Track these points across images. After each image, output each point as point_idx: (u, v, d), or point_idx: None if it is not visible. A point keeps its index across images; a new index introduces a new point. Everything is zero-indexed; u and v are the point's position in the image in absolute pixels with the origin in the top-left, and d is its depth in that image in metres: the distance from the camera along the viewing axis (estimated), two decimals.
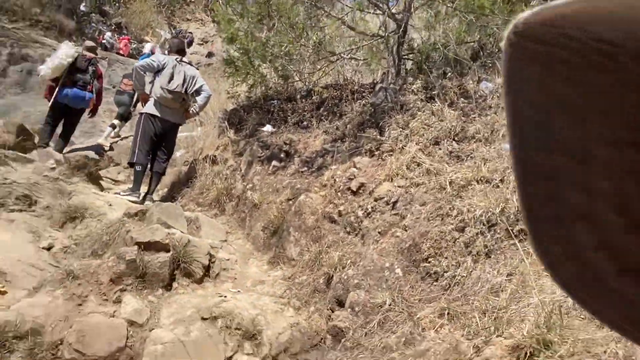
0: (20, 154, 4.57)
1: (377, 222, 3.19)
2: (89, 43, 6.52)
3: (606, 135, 0.28)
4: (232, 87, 5.46)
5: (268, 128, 4.99)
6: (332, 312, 2.92)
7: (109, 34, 13.75)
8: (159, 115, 4.65)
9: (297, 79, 5.78)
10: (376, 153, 3.70)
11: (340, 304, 2.93)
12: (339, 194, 3.63)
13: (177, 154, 5.84)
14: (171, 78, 4.60)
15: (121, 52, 13.16)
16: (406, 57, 5.34)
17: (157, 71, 4.65)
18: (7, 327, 2.40)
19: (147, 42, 13.42)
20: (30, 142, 5.60)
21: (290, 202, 4.00)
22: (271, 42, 5.19)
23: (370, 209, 3.24)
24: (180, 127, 5.26)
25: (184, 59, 4.89)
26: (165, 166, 4.97)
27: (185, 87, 4.69)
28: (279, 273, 3.67)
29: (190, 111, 4.92)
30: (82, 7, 14.57)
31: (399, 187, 3.14)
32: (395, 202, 3.07)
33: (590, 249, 0.30)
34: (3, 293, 2.75)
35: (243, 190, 4.59)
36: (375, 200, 3.21)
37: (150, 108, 4.68)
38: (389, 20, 5.08)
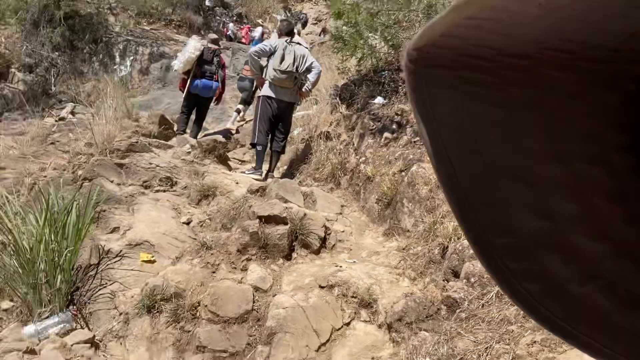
0: (162, 141, 5.21)
1: None
2: (212, 36, 7.07)
3: (549, 152, 0.24)
4: (342, 62, 5.51)
5: (379, 100, 4.95)
6: (447, 282, 2.86)
7: (231, 24, 14.70)
8: (274, 96, 4.90)
9: None
10: None
11: (456, 274, 2.85)
12: None
13: (295, 132, 6.11)
14: (282, 59, 4.79)
15: (243, 40, 14.02)
16: None
17: (270, 54, 4.87)
18: (156, 290, 2.81)
19: (259, 26, 14.08)
20: (171, 130, 6.34)
21: (403, 173, 3.96)
22: (380, 12, 5.10)
23: None
24: (296, 106, 5.49)
25: (295, 39, 5.05)
26: (283, 145, 5.25)
27: (296, 66, 4.85)
28: (394, 244, 3.68)
29: (304, 89, 5.09)
30: (207, 3, 15.77)
31: None
32: None
33: (575, 282, 0.25)
34: (152, 262, 3.21)
35: (356, 163, 4.66)
36: None
37: (266, 90, 4.95)
38: None
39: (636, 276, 0.24)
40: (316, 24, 18.13)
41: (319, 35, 15.87)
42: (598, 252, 0.25)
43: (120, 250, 3.07)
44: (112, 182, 3.84)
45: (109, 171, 3.90)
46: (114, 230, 3.25)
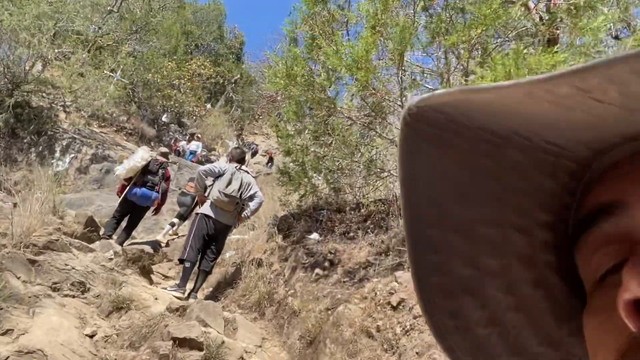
0: (84, 243, 4.94)
1: (416, 342, 3.07)
2: (163, 149, 7.26)
3: (491, 216, 0.30)
4: (284, 195, 5.77)
5: (315, 236, 5.12)
6: None
7: (184, 142, 15.17)
8: (213, 216, 4.94)
9: (348, 191, 6.02)
10: None
11: None
12: (378, 307, 3.57)
13: (227, 254, 6.04)
14: (229, 183, 4.95)
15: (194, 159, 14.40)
16: None
17: (218, 176, 5.04)
18: None
19: (196, 141, 14.65)
20: (96, 233, 6.06)
21: (330, 311, 3.95)
22: (325, 157, 5.56)
23: (409, 327, 3.14)
24: (232, 229, 5.52)
25: (243, 167, 5.30)
26: (212, 265, 5.14)
27: (240, 192, 5.01)
28: None
29: (243, 215, 5.19)
30: (163, 118, 16.40)
31: None
32: None
33: (481, 325, 0.31)
34: None
35: (284, 295, 4.61)
36: (415, 317, 3.13)
37: (206, 209, 5.00)
38: None
39: (525, 329, 0.30)
40: (265, 155, 19.12)
41: (266, 164, 16.67)
42: (504, 304, 0.30)
43: (7, 357, 2.69)
44: (18, 278, 3.51)
45: (18, 266, 3.58)
46: (7, 332, 2.88)
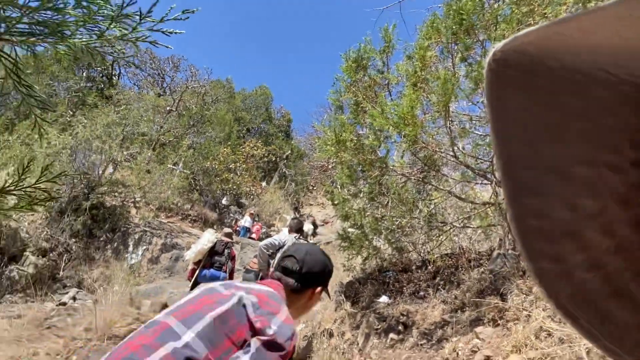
0: None
1: None
2: (227, 230, 7.52)
3: (584, 155, 0.30)
4: (347, 260, 5.71)
5: (384, 299, 4.97)
6: None
7: (241, 220, 15.67)
8: None
9: (411, 249, 5.88)
10: (500, 322, 3.44)
11: None
12: None
13: (297, 328, 5.94)
14: None
15: (253, 236, 14.74)
16: None
17: (278, 248, 5.09)
18: None
19: (248, 215, 15.07)
20: None
21: None
22: (384, 217, 5.52)
23: None
24: None
25: (302, 236, 5.35)
26: None
27: None
28: None
29: None
30: (223, 202, 17.12)
31: (529, 359, 2.81)
32: None
33: (583, 269, 0.30)
34: None
35: None
36: None
37: None
38: (498, 188, 5.17)
39: (626, 272, 0.29)
40: (323, 225, 19.23)
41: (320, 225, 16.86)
42: (604, 246, 0.29)
43: None
44: None
45: None
46: None
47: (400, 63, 4.98)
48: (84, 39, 1.33)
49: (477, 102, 5.00)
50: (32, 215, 11.69)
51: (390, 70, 5.32)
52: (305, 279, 1.45)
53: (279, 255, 5.05)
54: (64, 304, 8.12)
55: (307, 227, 13.71)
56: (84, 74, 21.59)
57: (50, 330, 5.33)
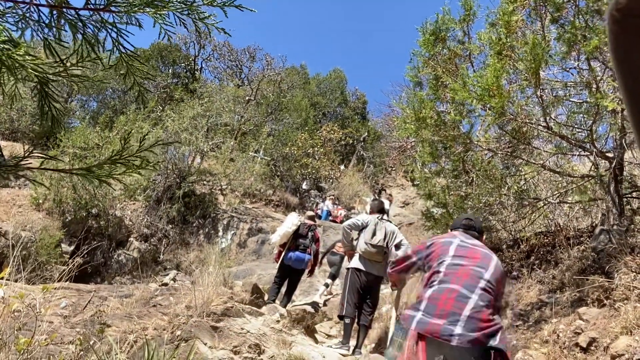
0: (253, 308, 5.34)
1: None
2: (310, 213, 7.68)
3: None
4: None
5: None
6: None
7: (329, 202, 15.97)
8: (363, 269, 4.97)
9: (500, 228, 5.61)
10: (606, 302, 3.18)
11: None
12: (564, 351, 3.14)
13: (383, 308, 5.96)
14: (374, 234, 4.98)
15: (337, 220, 14.94)
16: (629, 195, 4.76)
17: (362, 229, 5.11)
18: None
19: (328, 199, 15.26)
20: (261, 299, 6.51)
21: None
22: (469, 195, 5.31)
23: None
24: (384, 281, 5.47)
25: (384, 217, 5.31)
26: (371, 319, 5.10)
27: (386, 241, 4.99)
28: None
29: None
30: (304, 186, 17.50)
31: None
32: None
33: None
34: None
35: None
36: (613, 358, 2.67)
37: (355, 263, 5.06)
38: (598, 159, 4.74)
39: None
40: (403, 207, 18.99)
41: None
42: None
43: None
44: (205, 344, 3.90)
45: (204, 333, 4.01)
46: None
47: (482, 31, 4.70)
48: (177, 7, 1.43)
49: (570, 68, 4.59)
50: (133, 204, 12.80)
51: (472, 40, 5.04)
52: None
53: (363, 235, 5.08)
54: (166, 284, 8.84)
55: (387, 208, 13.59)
56: (170, 70, 23.01)
57: (156, 308, 5.83)
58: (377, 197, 18.05)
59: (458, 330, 1.95)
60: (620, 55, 0.27)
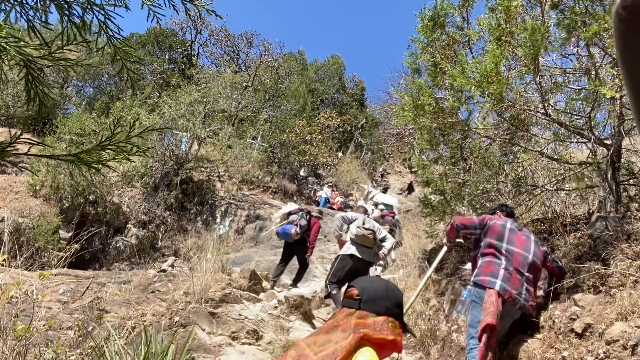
0: (251, 294, 5.37)
1: None
2: (318, 209, 7.71)
3: None
4: (429, 227, 5.61)
5: (470, 266, 4.83)
6: None
7: (327, 189, 16.01)
8: (357, 254, 5.13)
9: None
10: (602, 289, 3.20)
11: None
12: (560, 337, 3.17)
13: None
14: (364, 222, 5.33)
15: (334, 207, 14.96)
16: (626, 182, 4.77)
17: (350, 222, 5.45)
18: None
19: (326, 187, 15.46)
20: (259, 286, 6.54)
21: (503, 345, 3.63)
22: (467, 182, 5.31)
23: (602, 355, 2.71)
24: (375, 266, 5.68)
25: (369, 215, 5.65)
26: None
27: (375, 230, 5.24)
28: None
29: (380, 253, 5.32)
30: (301, 173, 17.49)
31: (637, 327, 2.60)
32: (635, 346, 2.53)
33: None
34: None
35: (448, 332, 4.37)
36: (608, 343, 2.70)
37: (346, 249, 5.23)
38: (596, 147, 4.73)
39: None
40: (401, 194, 19.03)
41: (406, 193, 16.87)
42: None
43: None
44: (203, 330, 3.93)
45: (202, 319, 4.03)
46: None
47: (481, 17, 4.64)
48: None
49: (569, 54, 4.55)
50: (130, 191, 12.78)
51: (471, 25, 4.99)
52: None
53: (353, 224, 5.27)
54: (164, 270, 8.86)
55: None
56: (166, 56, 22.79)
57: (154, 294, 5.85)
58: (380, 179, 18.29)
59: (521, 300, 3.27)
60: (626, 55, 0.27)
